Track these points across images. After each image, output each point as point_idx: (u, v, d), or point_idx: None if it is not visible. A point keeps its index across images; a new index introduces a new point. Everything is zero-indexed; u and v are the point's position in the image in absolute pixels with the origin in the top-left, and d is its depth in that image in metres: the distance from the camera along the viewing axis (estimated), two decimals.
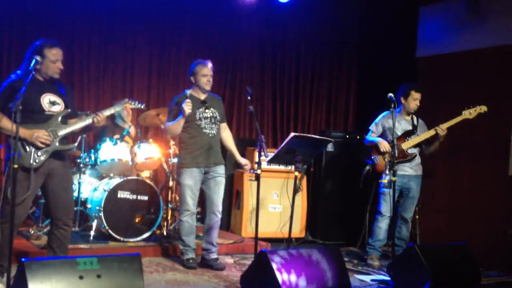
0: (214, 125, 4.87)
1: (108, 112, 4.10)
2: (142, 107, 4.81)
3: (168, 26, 6.86)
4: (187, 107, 4.63)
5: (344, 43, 7.66)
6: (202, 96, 4.86)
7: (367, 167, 5.55)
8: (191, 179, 4.79)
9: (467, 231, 5.91)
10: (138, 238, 5.38)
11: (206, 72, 4.82)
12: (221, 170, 4.90)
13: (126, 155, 5.55)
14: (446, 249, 4.54)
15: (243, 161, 5.01)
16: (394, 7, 7.02)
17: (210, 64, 4.87)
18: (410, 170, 5.50)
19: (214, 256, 4.92)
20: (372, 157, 5.55)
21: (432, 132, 5.37)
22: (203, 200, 5.08)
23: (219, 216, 4.92)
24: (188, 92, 4.77)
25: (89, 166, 5.68)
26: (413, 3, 6.85)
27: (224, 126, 5.02)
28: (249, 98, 4.58)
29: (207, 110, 4.85)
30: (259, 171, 4.33)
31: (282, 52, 7.55)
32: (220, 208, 4.91)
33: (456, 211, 6.20)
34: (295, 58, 7.59)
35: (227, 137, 5.04)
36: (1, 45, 5.96)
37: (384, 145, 5.40)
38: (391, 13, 7.08)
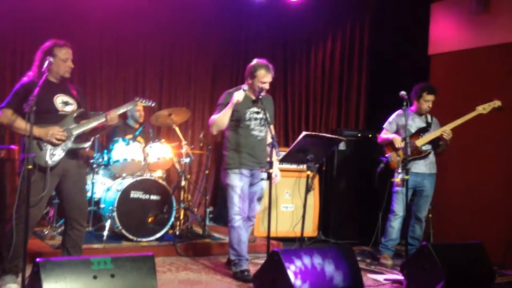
0: (263, 127, 4.65)
1: (120, 111, 4.14)
2: (153, 105, 4.77)
3: (179, 27, 6.89)
4: (238, 95, 4.40)
5: (355, 41, 7.63)
6: (241, 98, 4.49)
7: (381, 165, 5.52)
8: (240, 181, 4.58)
9: (481, 229, 5.86)
10: (151, 238, 5.40)
11: (266, 79, 4.54)
12: (265, 174, 4.55)
13: (138, 155, 5.58)
14: (460, 248, 4.49)
15: (274, 171, 4.53)
16: (405, 4, 6.99)
17: (273, 71, 4.59)
18: (424, 168, 5.47)
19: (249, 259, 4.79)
20: (386, 155, 5.52)
21: (439, 132, 5.35)
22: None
23: (253, 221, 4.84)
24: (246, 87, 4.55)
25: (102, 166, 5.71)
26: (424, 0, 6.80)
27: (271, 128, 4.60)
28: (260, 97, 4.57)
29: (258, 111, 4.62)
30: (271, 170, 4.31)
31: (293, 51, 7.54)
32: (255, 213, 4.79)
33: (470, 210, 6.14)
34: (306, 57, 7.58)
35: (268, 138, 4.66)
36: (14, 49, 6.03)
37: (399, 141, 5.38)
38: (403, 10, 7.04)
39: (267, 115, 4.53)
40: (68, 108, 3.94)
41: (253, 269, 4.67)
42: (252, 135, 4.64)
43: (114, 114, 4.01)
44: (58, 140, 3.80)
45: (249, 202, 4.72)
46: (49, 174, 3.77)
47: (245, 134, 4.63)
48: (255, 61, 4.64)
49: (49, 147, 3.79)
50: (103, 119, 3.98)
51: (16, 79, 5.90)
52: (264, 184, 4.72)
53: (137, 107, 6.01)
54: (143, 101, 4.56)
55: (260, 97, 4.55)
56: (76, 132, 3.91)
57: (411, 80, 6.01)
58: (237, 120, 4.61)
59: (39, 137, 3.76)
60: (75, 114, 3.94)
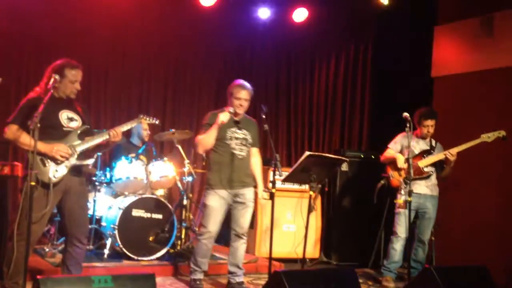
0: (244, 147, 4.75)
1: (124, 128, 4.17)
2: (157, 122, 4.79)
3: (184, 46, 6.95)
4: (224, 116, 4.53)
5: (359, 62, 7.68)
6: (227, 118, 4.62)
7: (382, 181, 5.52)
8: (216, 201, 4.66)
9: (485, 252, 5.81)
10: (152, 257, 5.37)
11: (240, 95, 4.68)
12: (250, 194, 4.76)
13: (141, 173, 5.57)
14: (464, 271, 4.44)
15: (260, 193, 4.79)
16: (409, 26, 7.05)
17: (249, 88, 4.74)
18: (426, 189, 5.46)
19: (240, 279, 4.83)
20: (388, 173, 5.52)
21: (442, 156, 5.36)
22: (227, 221, 4.96)
23: (245, 238, 4.84)
24: (232, 109, 4.65)
25: (104, 184, 5.71)
26: (428, 23, 6.86)
27: (255, 151, 4.85)
28: (263, 116, 4.57)
29: (239, 131, 4.73)
30: (273, 190, 4.30)
31: (297, 72, 7.58)
32: (245, 230, 4.82)
33: (473, 232, 6.10)
34: (310, 77, 7.62)
35: (256, 163, 4.86)
36: (20, 64, 6.06)
37: (402, 160, 5.38)
38: (406, 32, 7.10)
39: (248, 136, 4.72)
40: (73, 124, 3.96)
41: None
42: (232, 154, 4.71)
43: (118, 131, 4.03)
44: (63, 156, 3.81)
45: (237, 220, 4.77)
46: (51, 190, 3.77)
47: (226, 153, 4.70)
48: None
49: (52, 163, 3.80)
50: (107, 136, 4.00)
51: (21, 94, 5.94)
52: (248, 202, 4.76)
53: (144, 126, 6.02)
54: (147, 118, 4.58)
55: (244, 116, 4.71)
56: (80, 149, 3.92)
57: (414, 101, 6.03)
58: (218, 139, 4.69)
59: (44, 153, 3.77)
60: (79, 131, 3.96)
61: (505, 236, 5.82)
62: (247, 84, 4.77)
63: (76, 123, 3.97)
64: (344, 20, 7.43)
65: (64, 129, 3.91)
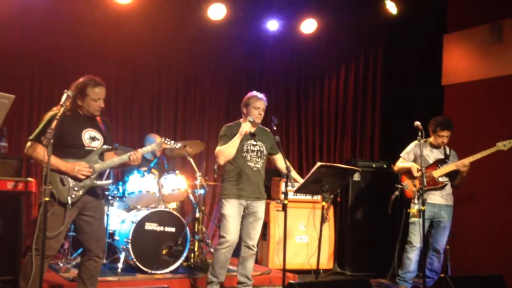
0: (259, 159, 4.82)
1: (145, 151, 4.22)
2: (177, 147, 4.72)
3: (194, 59, 6.99)
4: (247, 125, 4.64)
5: (369, 72, 7.68)
6: (252, 129, 4.77)
7: (396, 192, 5.49)
8: (233, 210, 4.71)
9: (501, 261, 5.75)
10: (166, 270, 5.36)
11: (259, 105, 4.77)
12: (262, 207, 4.84)
13: (153, 186, 5.59)
14: (480, 281, 4.41)
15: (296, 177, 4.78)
16: (418, 35, 7.05)
17: (264, 98, 4.84)
18: (441, 199, 5.42)
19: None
20: (402, 183, 5.49)
21: (454, 166, 5.33)
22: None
23: (255, 250, 4.86)
24: (251, 118, 4.72)
25: (117, 198, 5.73)
26: (438, 31, 6.85)
27: (279, 157, 4.96)
28: (274, 128, 4.60)
29: (255, 143, 4.81)
30: (286, 202, 4.30)
31: (307, 82, 7.60)
32: (255, 242, 4.85)
33: (489, 241, 6.04)
34: (320, 87, 7.64)
35: (282, 166, 4.80)
36: (32, 80, 6.10)
37: (417, 169, 5.34)
38: (416, 41, 7.10)
39: (263, 147, 4.79)
40: (95, 144, 3.98)
41: None
42: (249, 167, 4.75)
43: (138, 155, 4.04)
44: (84, 175, 3.85)
45: (247, 232, 4.80)
46: (69, 209, 3.80)
47: (242, 166, 4.75)
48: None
49: (71, 182, 3.83)
50: (126, 158, 4.02)
51: (33, 110, 6.03)
52: (260, 214, 4.80)
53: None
54: (168, 143, 4.58)
55: (258, 126, 4.76)
56: (99, 169, 3.96)
57: (425, 110, 6.01)
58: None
59: (66, 172, 3.81)
60: (100, 151, 3.99)
61: None
62: (262, 95, 4.87)
63: (98, 142, 4.00)
64: (353, 30, 7.44)
65: (86, 148, 3.94)
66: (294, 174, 4.79)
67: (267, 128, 5.02)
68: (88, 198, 3.94)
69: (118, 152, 4.22)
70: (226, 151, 4.67)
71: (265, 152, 4.83)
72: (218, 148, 4.75)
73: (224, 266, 4.80)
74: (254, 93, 4.89)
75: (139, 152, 4.07)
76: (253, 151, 4.79)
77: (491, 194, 6.10)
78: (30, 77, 6.10)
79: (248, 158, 4.77)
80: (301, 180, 4.73)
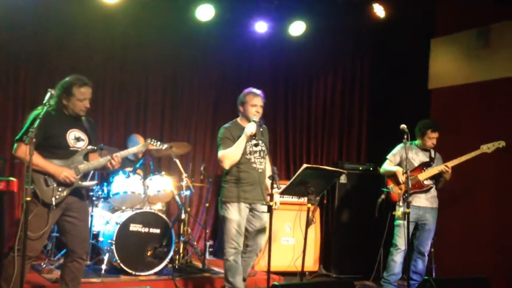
0: (263, 159, 4.65)
1: (130, 152, 4.24)
2: (163, 148, 4.70)
3: (181, 61, 6.95)
4: (252, 126, 4.42)
5: (356, 75, 7.71)
6: (255, 130, 4.50)
7: (382, 196, 5.50)
8: (238, 214, 4.53)
9: (485, 264, 5.78)
10: (150, 272, 5.32)
11: (256, 102, 4.60)
12: (265, 209, 4.51)
13: (138, 187, 5.56)
14: (464, 283, 4.43)
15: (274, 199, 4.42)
16: (406, 39, 7.08)
17: (261, 95, 4.67)
18: (426, 202, 5.44)
19: None
20: (388, 186, 5.50)
21: (438, 169, 5.35)
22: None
23: (258, 254, 4.79)
24: (255, 118, 4.53)
25: (102, 199, 5.68)
26: (425, 35, 6.89)
27: (267, 158, 4.70)
28: (261, 130, 4.58)
29: (256, 144, 4.62)
30: (272, 203, 4.26)
31: (295, 84, 7.60)
32: (261, 248, 4.75)
33: (473, 244, 6.08)
34: (307, 90, 7.64)
35: (268, 168, 4.69)
36: (16, 79, 6.03)
37: (402, 175, 5.36)
38: (403, 46, 7.14)
39: (264, 147, 4.59)
40: (80, 144, 3.96)
41: None
42: (253, 169, 4.62)
43: (117, 160, 4.00)
44: (68, 182, 3.83)
45: (253, 236, 4.68)
46: (52, 210, 3.77)
47: (247, 168, 4.60)
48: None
49: (55, 184, 3.80)
50: (105, 163, 3.99)
51: (18, 110, 5.96)
52: (265, 217, 4.68)
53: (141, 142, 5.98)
54: (154, 144, 4.53)
55: (261, 129, 4.58)
56: (83, 170, 3.94)
57: (412, 113, 6.04)
58: None
59: (53, 174, 3.78)
60: (84, 152, 3.97)
61: (505, 248, 5.78)
62: (260, 91, 4.71)
63: (83, 143, 3.98)
64: (341, 33, 7.46)
65: (71, 149, 3.92)
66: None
67: (264, 126, 4.86)
68: (72, 199, 3.91)
69: (104, 153, 4.19)
70: (231, 154, 4.47)
71: (266, 151, 4.61)
72: (222, 152, 4.53)
73: (238, 272, 4.55)
74: (251, 89, 4.71)
75: (118, 157, 4.02)
76: (255, 151, 4.63)
77: (474, 196, 6.14)
78: (14, 76, 6.03)
79: (252, 160, 4.60)
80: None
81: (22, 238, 3.54)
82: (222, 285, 4.90)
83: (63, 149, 3.87)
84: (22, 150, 3.71)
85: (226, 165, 4.52)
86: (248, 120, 4.59)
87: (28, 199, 3.45)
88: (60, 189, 3.81)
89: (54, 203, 3.76)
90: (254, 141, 4.62)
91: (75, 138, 3.94)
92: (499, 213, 5.91)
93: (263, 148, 4.62)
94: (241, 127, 4.58)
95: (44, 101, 3.69)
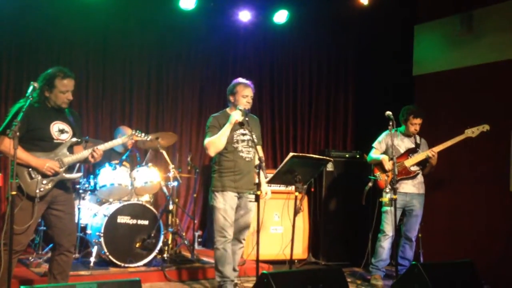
0: (251, 148, 4.69)
1: (115, 144, 4.23)
2: (148, 139, 4.71)
3: (164, 51, 6.90)
4: (237, 114, 4.49)
5: (341, 63, 7.72)
6: (241, 118, 4.58)
7: (370, 184, 5.53)
8: (226, 203, 4.59)
9: (471, 248, 5.85)
10: (139, 263, 5.32)
11: (247, 93, 4.64)
12: (252, 196, 4.59)
13: (125, 179, 5.53)
14: (450, 267, 4.48)
15: (264, 189, 4.58)
16: (389, 26, 7.10)
17: (251, 85, 4.71)
18: (413, 188, 5.49)
19: (235, 281, 4.78)
20: (375, 174, 5.54)
21: (424, 155, 5.40)
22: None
23: (244, 243, 4.82)
24: (241, 106, 4.59)
25: (89, 192, 5.65)
26: (408, 22, 6.91)
27: (258, 148, 4.64)
28: (246, 119, 4.57)
29: (244, 133, 4.67)
30: (258, 192, 4.26)
31: (280, 73, 7.58)
32: (245, 236, 4.80)
33: (460, 229, 6.15)
34: (293, 78, 7.63)
35: (256, 157, 4.59)
36: None
37: (388, 163, 5.39)
38: (387, 32, 7.15)
39: (254, 136, 4.58)
40: (64, 136, 3.93)
41: None
42: (240, 157, 4.65)
43: (98, 153, 3.98)
44: (52, 172, 3.79)
45: (238, 224, 4.71)
46: (37, 203, 3.74)
47: (233, 157, 4.63)
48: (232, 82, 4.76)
49: (39, 177, 3.77)
50: (87, 155, 3.96)
51: (1, 103, 5.88)
52: (252, 206, 4.70)
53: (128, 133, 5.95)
54: (139, 135, 4.53)
55: (247, 119, 4.58)
56: (68, 163, 3.91)
57: (397, 100, 6.07)
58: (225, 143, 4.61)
59: (36, 167, 3.75)
60: (68, 144, 3.93)
61: (491, 232, 5.86)
62: (249, 81, 4.73)
63: (67, 135, 3.95)
64: (326, 21, 7.45)
65: (54, 141, 3.89)
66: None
67: (254, 116, 4.90)
68: (57, 192, 3.89)
69: (89, 145, 4.16)
70: (216, 142, 4.54)
71: (255, 140, 4.61)
72: (207, 140, 4.61)
73: (228, 261, 4.62)
74: (241, 80, 4.74)
75: (100, 150, 4.00)
76: (243, 140, 4.67)
77: (461, 183, 6.20)
78: None
79: (240, 148, 4.65)
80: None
81: (8, 232, 3.52)
82: (213, 275, 4.91)
83: (46, 141, 3.85)
84: (5, 144, 3.67)
85: (211, 152, 4.59)
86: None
87: (14, 193, 3.41)
88: (44, 182, 3.78)
89: (38, 196, 3.73)
90: (242, 130, 4.64)
91: (59, 130, 3.91)
92: (485, 198, 5.97)
93: (252, 138, 4.62)
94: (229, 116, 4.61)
95: (27, 94, 3.65)
